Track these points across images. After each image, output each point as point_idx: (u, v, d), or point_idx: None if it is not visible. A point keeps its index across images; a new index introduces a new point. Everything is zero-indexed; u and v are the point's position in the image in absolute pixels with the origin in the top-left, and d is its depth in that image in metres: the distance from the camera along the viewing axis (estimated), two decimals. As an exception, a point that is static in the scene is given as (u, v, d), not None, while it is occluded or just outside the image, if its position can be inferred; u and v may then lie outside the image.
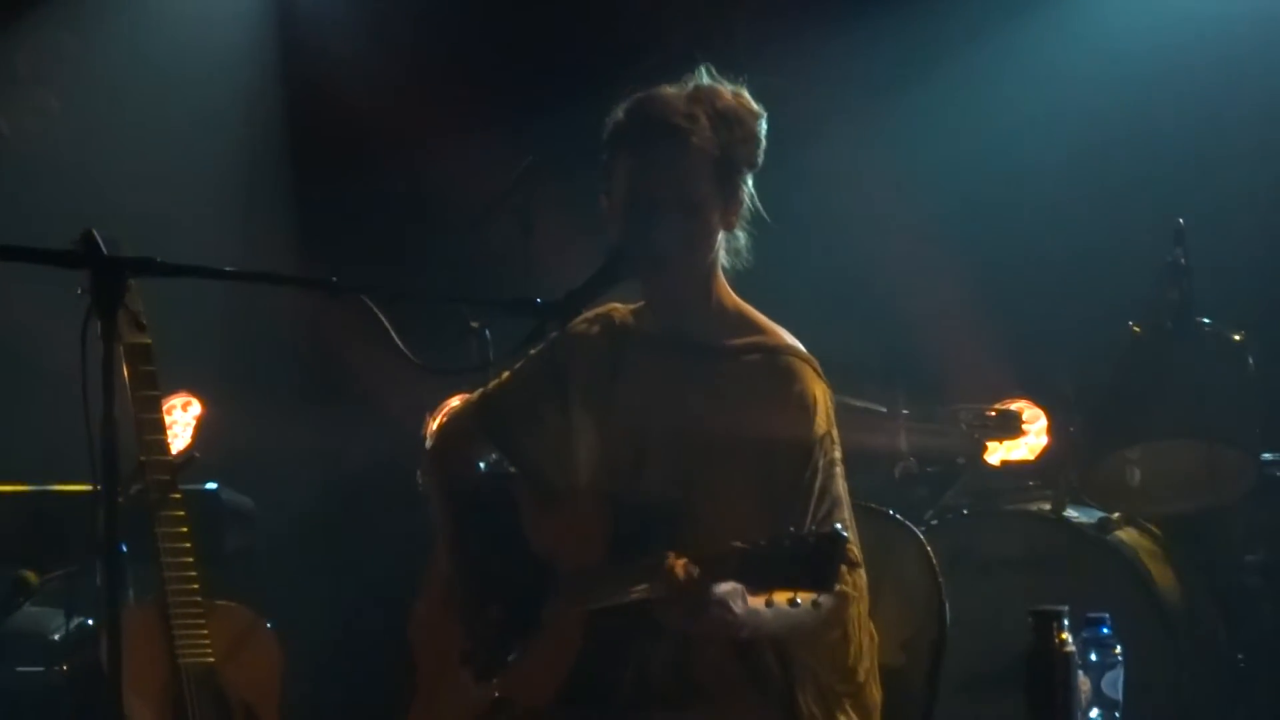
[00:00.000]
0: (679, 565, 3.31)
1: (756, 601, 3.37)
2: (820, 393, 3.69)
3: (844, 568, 3.37)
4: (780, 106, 3.81)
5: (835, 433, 3.69)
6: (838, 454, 3.68)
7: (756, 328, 3.77)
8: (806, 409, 3.65)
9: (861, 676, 3.65)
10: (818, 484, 3.61)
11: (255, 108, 7.27)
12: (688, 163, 3.64)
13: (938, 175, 6.81)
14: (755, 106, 3.75)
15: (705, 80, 3.74)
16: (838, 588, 3.34)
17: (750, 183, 3.76)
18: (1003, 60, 6.84)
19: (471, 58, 7.28)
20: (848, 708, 3.65)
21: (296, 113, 7.38)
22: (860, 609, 3.59)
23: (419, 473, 4.09)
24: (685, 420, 3.70)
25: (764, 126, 3.74)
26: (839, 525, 3.36)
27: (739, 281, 3.82)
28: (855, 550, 3.56)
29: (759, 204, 3.79)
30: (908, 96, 6.87)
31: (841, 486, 3.66)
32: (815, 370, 3.72)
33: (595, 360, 3.86)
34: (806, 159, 6.15)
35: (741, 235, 3.79)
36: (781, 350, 3.73)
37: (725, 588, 3.32)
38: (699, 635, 3.48)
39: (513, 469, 4.00)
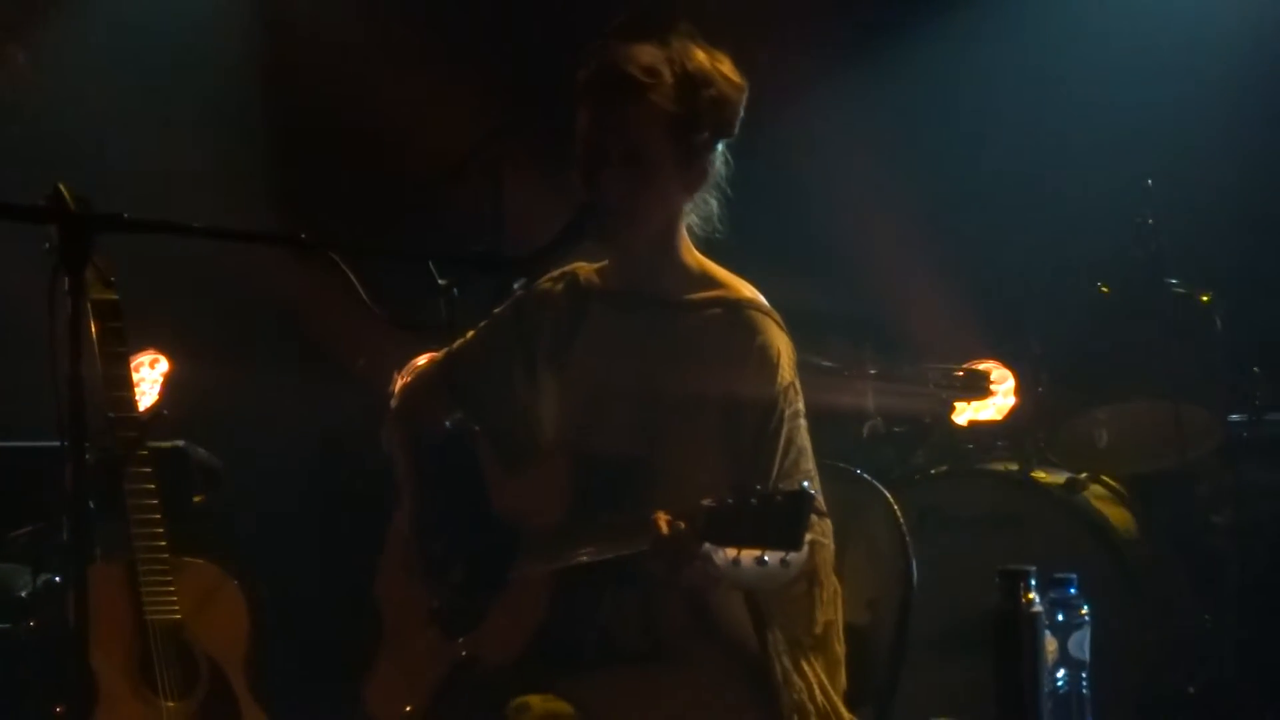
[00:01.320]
0: (663, 520, 3.31)
1: (726, 558, 3.37)
2: (783, 345, 3.68)
3: (814, 517, 3.37)
4: (750, 67, 3.78)
5: (798, 384, 3.68)
6: (801, 405, 3.67)
7: (718, 282, 3.75)
8: (769, 362, 3.64)
9: (828, 626, 3.65)
10: (783, 434, 3.60)
11: (228, 64, 7.23)
12: (640, 117, 3.58)
13: (907, 135, 6.82)
14: (734, 74, 3.67)
15: (682, 40, 3.65)
16: (808, 537, 3.34)
17: (720, 148, 3.71)
18: (974, 23, 6.84)
19: (444, 14, 7.25)
20: (814, 661, 3.65)
21: (268, 68, 7.35)
22: (826, 557, 3.59)
23: (383, 431, 4.08)
24: (647, 376, 3.69)
25: (743, 96, 3.67)
26: (806, 482, 3.35)
27: (707, 239, 3.80)
28: (819, 500, 3.54)
29: (730, 169, 3.74)
30: (877, 58, 6.87)
31: (805, 437, 3.65)
32: (778, 323, 3.71)
33: (558, 318, 3.84)
34: (776, 117, 6.14)
35: (713, 201, 3.75)
36: (744, 304, 3.71)
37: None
38: (682, 586, 3.48)
39: (477, 427, 3.99)
